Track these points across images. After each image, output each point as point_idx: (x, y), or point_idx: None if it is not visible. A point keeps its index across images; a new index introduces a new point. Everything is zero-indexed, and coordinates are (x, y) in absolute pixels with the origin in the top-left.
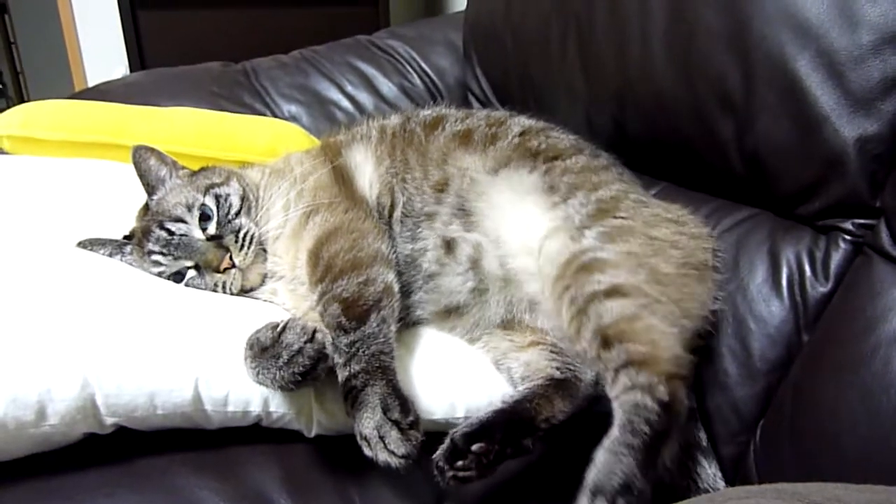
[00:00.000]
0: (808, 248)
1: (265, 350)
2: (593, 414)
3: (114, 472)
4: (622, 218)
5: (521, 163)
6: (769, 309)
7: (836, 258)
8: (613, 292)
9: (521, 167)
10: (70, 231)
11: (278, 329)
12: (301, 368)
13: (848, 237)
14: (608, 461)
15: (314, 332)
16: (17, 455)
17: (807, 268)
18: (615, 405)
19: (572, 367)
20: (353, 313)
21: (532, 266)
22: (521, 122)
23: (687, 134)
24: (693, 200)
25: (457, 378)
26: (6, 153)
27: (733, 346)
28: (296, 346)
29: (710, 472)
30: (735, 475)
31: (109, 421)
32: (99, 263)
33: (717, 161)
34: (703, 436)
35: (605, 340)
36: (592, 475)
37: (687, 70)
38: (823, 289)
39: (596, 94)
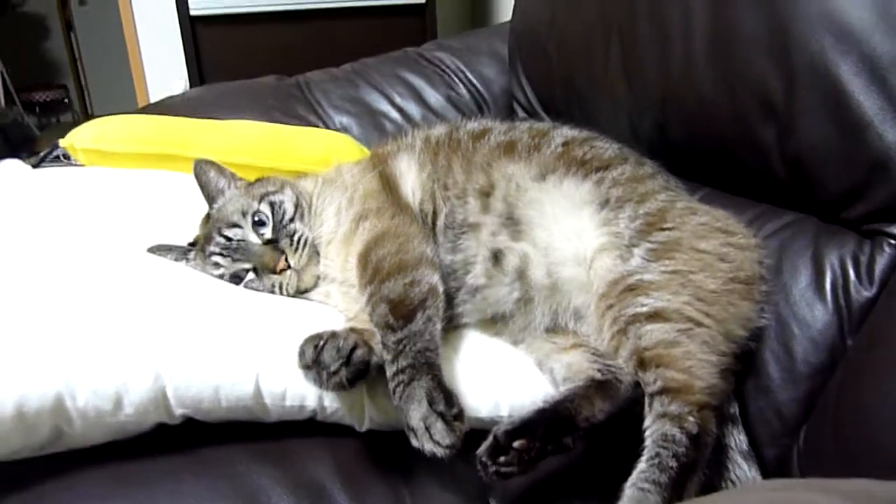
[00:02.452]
0: (852, 253)
1: (308, 367)
2: (633, 415)
3: (181, 460)
4: (669, 229)
5: (568, 171)
6: (813, 313)
7: (881, 262)
8: (655, 316)
9: (569, 175)
10: (140, 237)
11: (318, 348)
12: (340, 383)
13: (893, 241)
14: (636, 497)
15: (351, 351)
16: (95, 442)
17: (851, 272)
18: (647, 432)
19: (613, 370)
20: (400, 313)
21: (581, 277)
22: (564, 132)
23: (729, 139)
24: (736, 205)
25: (501, 378)
26: (81, 165)
27: (776, 349)
28: (332, 368)
29: (749, 474)
30: (780, 476)
31: (178, 412)
32: (167, 267)
33: (760, 166)
34: (743, 438)
35: (642, 362)
36: None
37: (728, 75)
38: (868, 293)
39: (639, 101)
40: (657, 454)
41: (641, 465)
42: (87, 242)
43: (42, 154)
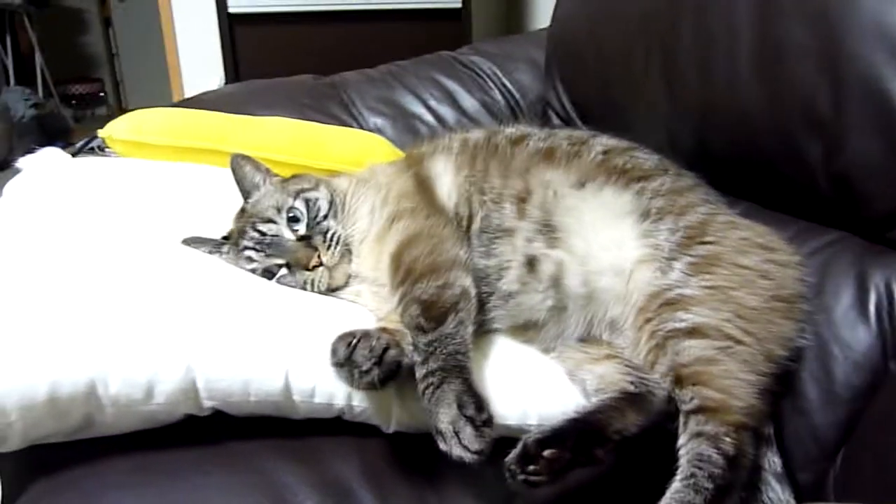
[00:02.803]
0: None
1: (341, 365)
2: (666, 430)
3: (209, 452)
4: (710, 243)
5: (608, 180)
6: (855, 335)
7: None
8: (694, 332)
9: (609, 184)
10: (175, 229)
11: (350, 346)
12: (372, 383)
13: None
14: None
15: (384, 351)
16: (126, 430)
17: None
18: (681, 451)
19: (646, 382)
20: (432, 314)
21: (618, 287)
22: (604, 141)
23: (772, 153)
24: (777, 221)
25: (531, 386)
26: (118, 155)
27: (815, 371)
28: (365, 367)
29: (782, 497)
30: (813, 501)
31: (208, 404)
32: (201, 260)
33: (803, 182)
34: (778, 460)
35: (679, 379)
36: None
37: (774, 89)
38: None
39: (679, 113)
40: (692, 474)
41: (676, 484)
42: (123, 232)
43: (80, 144)
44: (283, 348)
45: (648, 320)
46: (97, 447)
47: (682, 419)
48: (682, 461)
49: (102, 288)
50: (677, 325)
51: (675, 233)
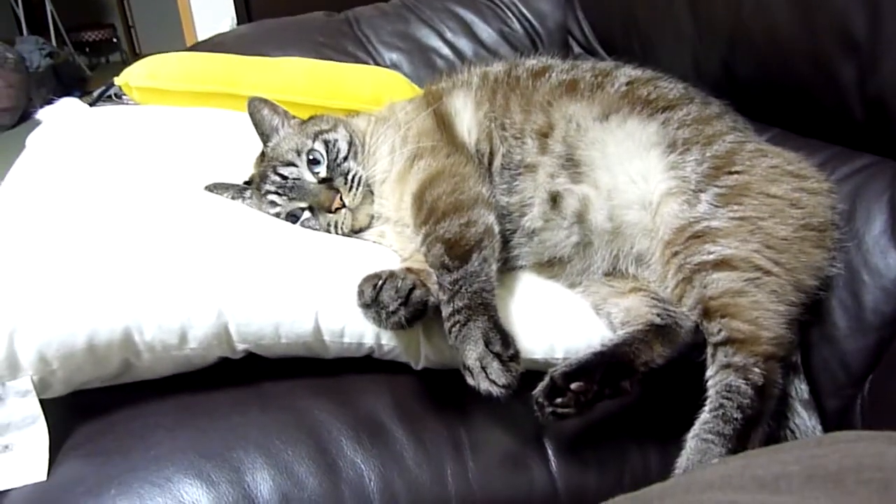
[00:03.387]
0: None
1: (367, 306)
2: (691, 361)
3: (244, 393)
4: (738, 172)
5: (632, 111)
6: (886, 261)
7: None
8: (722, 264)
9: (634, 115)
10: (197, 175)
11: (377, 288)
12: (399, 323)
13: None
14: (699, 449)
15: (410, 291)
16: (163, 374)
17: None
18: (709, 382)
19: (673, 314)
20: (456, 253)
21: (646, 221)
22: (628, 72)
23: (803, 77)
24: (807, 147)
25: (556, 320)
26: (135, 103)
27: (844, 298)
28: (391, 308)
29: (809, 423)
30: (839, 429)
31: (240, 347)
32: (225, 206)
33: (835, 105)
34: (804, 387)
35: (707, 312)
36: (683, 461)
37: (806, 7)
38: None
39: (705, 36)
40: (721, 405)
41: (705, 415)
42: (147, 181)
43: (97, 93)
44: (312, 290)
45: (676, 254)
46: (137, 391)
47: (710, 351)
48: (711, 392)
49: (131, 238)
50: (705, 257)
51: (701, 163)
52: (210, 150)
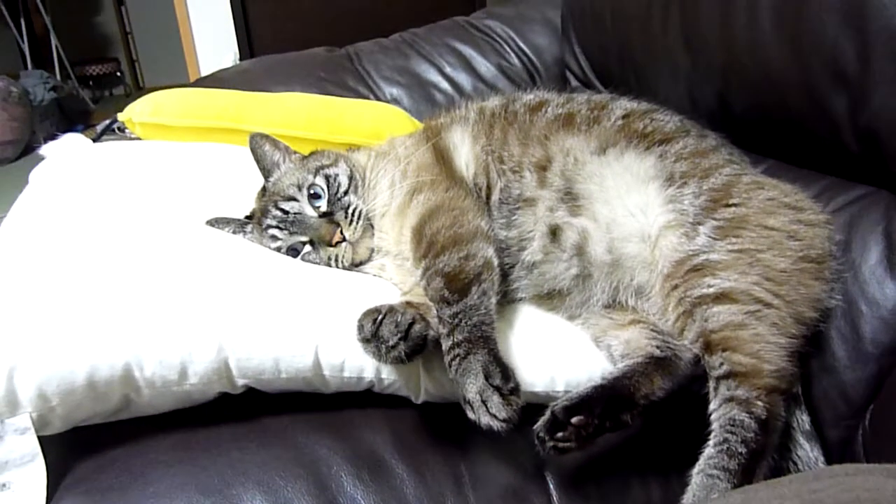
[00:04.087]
0: None
1: (367, 340)
2: (693, 393)
3: (244, 428)
4: (735, 205)
5: (629, 144)
6: (883, 291)
7: None
8: (722, 297)
9: (630, 148)
10: (198, 210)
11: (376, 322)
12: (399, 357)
13: None
14: (705, 484)
15: (410, 325)
16: (162, 410)
17: None
18: (713, 416)
19: (672, 346)
20: (456, 286)
21: (645, 254)
22: (624, 105)
23: (796, 109)
24: (802, 178)
25: (556, 353)
26: (138, 138)
27: (843, 328)
28: (391, 342)
29: (811, 455)
30: (841, 459)
31: (240, 382)
32: (226, 240)
33: (829, 137)
34: (806, 418)
35: (708, 345)
36: (689, 498)
37: (797, 42)
38: None
39: (699, 70)
40: (725, 440)
41: (709, 450)
42: (149, 216)
43: (101, 127)
44: (312, 325)
45: (676, 287)
46: (137, 427)
47: (712, 385)
48: (715, 426)
49: (133, 273)
50: (705, 290)
51: (699, 196)
52: (212, 185)
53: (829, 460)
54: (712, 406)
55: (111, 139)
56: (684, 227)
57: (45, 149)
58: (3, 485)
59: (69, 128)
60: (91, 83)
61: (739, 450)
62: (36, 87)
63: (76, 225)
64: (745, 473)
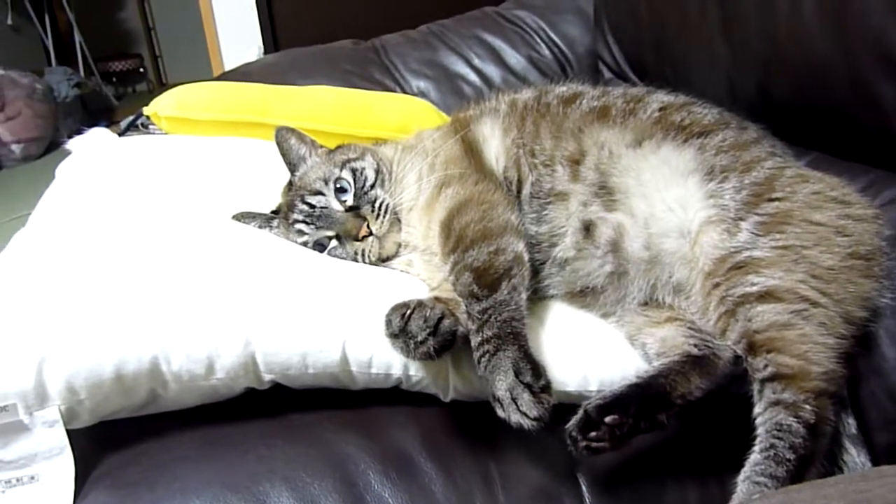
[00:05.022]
0: None
1: (395, 336)
2: (731, 394)
3: (271, 424)
4: (779, 199)
5: (665, 136)
6: None
7: None
8: (767, 296)
9: (667, 141)
10: (224, 204)
11: (405, 317)
12: (428, 353)
13: None
14: (751, 493)
15: (439, 320)
16: (189, 404)
17: None
18: (758, 420)
19: (710, 345)
20: (485, 282)
21: (684, 250)
22: (660, 98)
23: (841, 99)
24: (848, 171)
25: (589, 351)
26: (164, 132)
27: (892, 328)
28: (420, 338)
29: (858, 460)
30: (890, 464)
31: (267, 377)
32: (253, 235)
33: (876, 127)
34: (852, 422)
35: (752, 346)
36: None
37: (842, 29)
38: None
39: (739, 59)
40: (772, 445)
41: (755, 456)
42: (175, 210)
43: (126, 122)
44: (339, 320)
45: (717, 285)
46: (164, 422)
47: (756, 387)
48: (760, 431)
49: (160, 267)
50: (748, 289)
51: (740, 191)
52: (237, 180)
53: (877, 465)
54: (757, 410)
55: (137, 134)
56: (725, 222)
57: (72, 143)
58: (32, 477)
59: (93, 124)
60: (114, 79)
61: (787, 456)
62: (60, 84)
63: (103, 219)
64: (794, 480)
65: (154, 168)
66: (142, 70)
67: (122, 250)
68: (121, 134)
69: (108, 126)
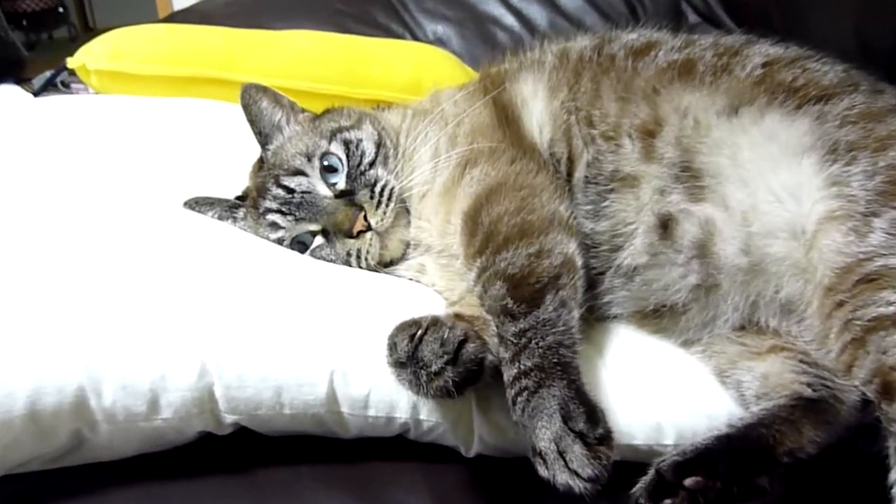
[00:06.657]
0: None
1: (402, 364)
2: (858, 451)
3: (232, 481)
4: None
5: (771, 101)
6: None
7: None
8: None
9: (774, 108)
10: (172, 186)
11: (415, 340)
12: (445, 388)
13: None
14: None
15: (460, 344)
16: (127, 453)
17: None
18: (892, 477)
19: (830, 385)
20: (523, 294)
21: (796, 255)
22: (764, 50)
23: None
24: None
25: (664, 391)
26: (94, 92)
27: None
28: (435, 367)
29: None
30: None
31: (229, 419)
32: (210, 228)
33: None
34: None
35: (887, 388)
36: None
37: None
38: None
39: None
40: None
41: None
42: (108, 194)
43: (43, 79)
44: (326, 344)
45: (841, 304)
46: (91, 476)
47: (892, 444)
48: None
49: (89, 270)
50: (883, 310)
51: (873, 176)
52: (191, 154)
53: None
54: (893, 476)
55: (58, 93)
56: (853, 219)
57: None
58: None
59: None
60: (25, 23)
61: None
62: None
63: (13, 207)
64: None
65: (80, 138)
66: (61, 10)
67: (39, 248)
68: (35, 94)
69: (17, 84)
